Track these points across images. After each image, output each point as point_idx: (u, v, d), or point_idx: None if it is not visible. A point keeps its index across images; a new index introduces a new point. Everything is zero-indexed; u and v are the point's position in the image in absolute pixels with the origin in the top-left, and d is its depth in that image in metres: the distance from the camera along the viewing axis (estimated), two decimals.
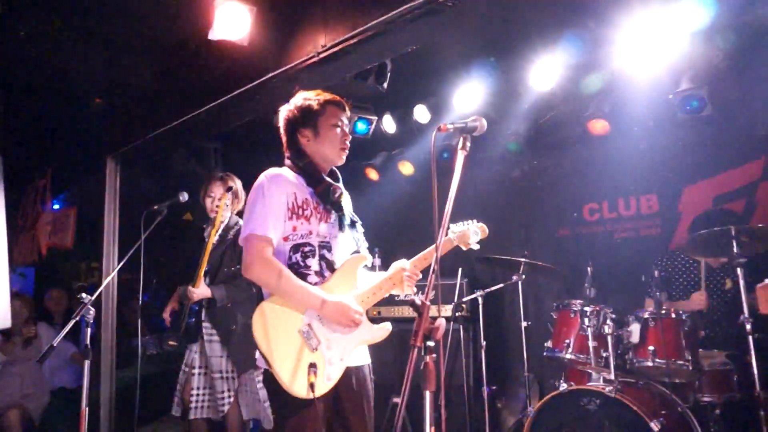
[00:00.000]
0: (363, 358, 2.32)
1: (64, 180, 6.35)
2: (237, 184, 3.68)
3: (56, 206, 6.52)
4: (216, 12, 3.25)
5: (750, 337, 2.85)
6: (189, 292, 3.38)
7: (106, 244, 4.60)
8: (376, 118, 4.95)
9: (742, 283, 2.93)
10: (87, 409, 2.83)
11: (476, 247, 2.47)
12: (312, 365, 2.07)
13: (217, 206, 3.54)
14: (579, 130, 4.53)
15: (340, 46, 3.06)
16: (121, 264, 3.45)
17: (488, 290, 4.13)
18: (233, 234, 3.57)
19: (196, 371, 3.46)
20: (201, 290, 3.40)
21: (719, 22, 3.45)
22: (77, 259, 6.83)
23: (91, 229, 4.96)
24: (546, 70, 4.03)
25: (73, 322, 2.84)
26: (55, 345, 2.72)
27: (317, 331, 2.16)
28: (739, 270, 2.94)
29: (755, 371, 2.83)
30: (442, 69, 4.39)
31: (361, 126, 5.03)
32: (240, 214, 3.67)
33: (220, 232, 3.59)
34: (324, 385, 2.11)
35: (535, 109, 4.59)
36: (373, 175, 5.59)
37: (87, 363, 2.83)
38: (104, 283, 3.60)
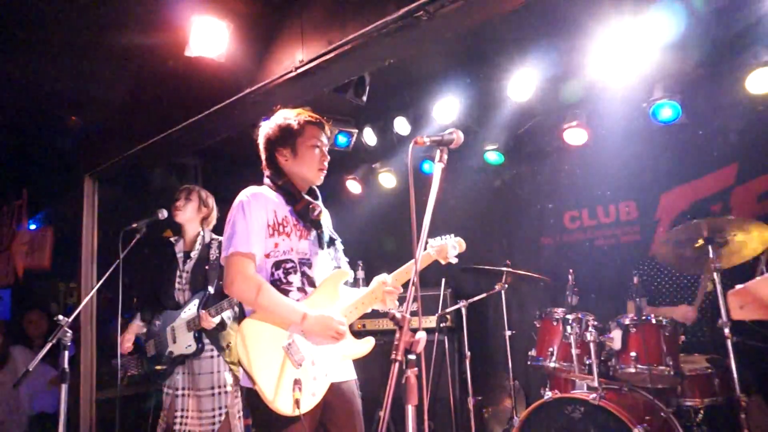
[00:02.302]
0: (348, 374, 2.31)
1: (40, 199, 6.24)
2: (203, 193, 3.64)
3: (32, 226, 6.40)
4: (192, 28, 3.24)
5: (728, 341, 2.88)
6: (209, 322, 3.28)
7: (84, 264, 4.53)
8: (357, 131, 4.96)
9: (719, 287, 2.98)
10: None
11: (454, 261, 2.48)
12: (297, 381, 2.05)
13: (177, 208, 3.50)
14: (557, 139, 4.58)
15: (317, 61, 3.07)
16: (99, 284, 3.38)
17: (471, 300, 4.15)
18: (216, 255, 3.53)
19: (179, 393, 3.39)
20: (218, 319, 3.35)
21: (691, 31, 3.54)
22: (55, 280, 6.70)
23: (69, 249, 4.87)
24: (523, 81, 4.08)
25: (49, 345, 2.78)
26: (30, 369, 2.66)
27: (301, 346, 2.14)
28: (716, 274, 2.98)
29: (734, 375, 2.86)
30: (420, 81, 4.43)
31: (341, 139, 5.04)
32: (214, 230, 3.64)
33: (198, 248, 3.54)
34: (309, 401, 2.09)
35: (513, 119, 4.64)
36: (354, 187, 5.59)
37: (64, 387, 2.77)
38: (82, 303, 3.52)
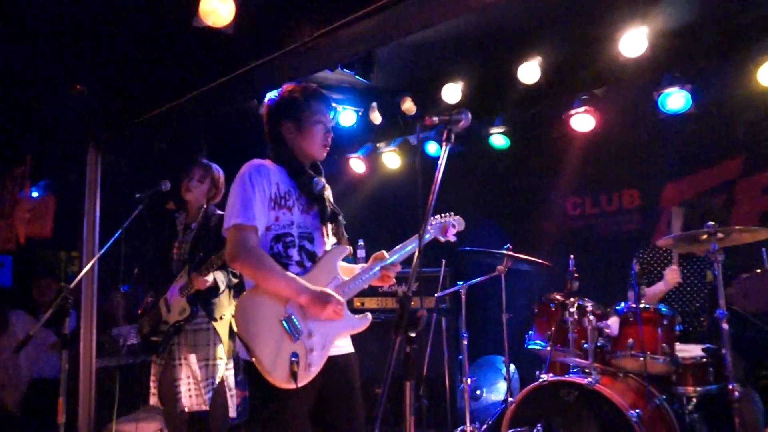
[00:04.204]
0: (346, 347, 2.32)
1: (43, 167, 6.24)
2: (215, 174, 3.63)
3: (35, 194, 6.40)
4: None
5: (724, 331, 2.90)
6: (201, 281, 3.21)
7: (87, 233, 4.54)
8: (363, 109, 4.94)
9: (719, 277, 2.98)
10: (65, 399, 2.80)
11: (453, 239, 2.51)
12: (293, 354, 2.07)
13: (189, 188, 3.48)
14: (563, 125, 4.56)
15: (326, 36, 3.04)
16: (101, 253, 3.39)
17: (471, 282, 4.16)
18: (215, 222, 3.52)
19: (176, 362, 3.40)
20: (209, 277, 3.33)
21: (702, 20, 3.50)
22: (56, 248, 6.74)
23: (71, 218, 4.88)
24: (532, 64, 4.05)
25: (51, 311, 2.80)
26: (32, 335, 2.69)
27: (299, 320, 2.16)
28: (716, 265, 2.99)
29: (728, 365, 2.89)
30: (428, 61, 4.39)
31: (347, 117, 5.02)
32: (218, 205, 3.63)
33: (200, 220, 3.54)
34: (305, 374, 2.11)
35: (520, 103, 4.61)
36: (358, 166, 5.58)
37: (65, 353, 2.80)
38: (83, 271, 3.52)
